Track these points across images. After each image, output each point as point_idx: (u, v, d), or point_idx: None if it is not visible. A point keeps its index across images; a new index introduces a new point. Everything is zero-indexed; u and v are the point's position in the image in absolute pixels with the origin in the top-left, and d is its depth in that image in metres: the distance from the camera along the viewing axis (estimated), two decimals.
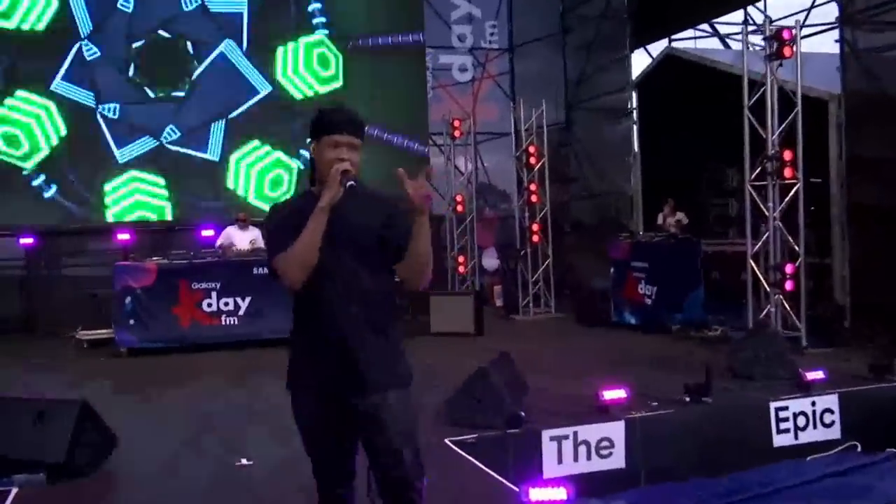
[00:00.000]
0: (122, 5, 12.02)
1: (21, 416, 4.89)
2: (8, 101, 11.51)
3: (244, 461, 5.06)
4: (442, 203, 13.10)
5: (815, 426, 6.04)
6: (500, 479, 4.70)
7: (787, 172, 8.51)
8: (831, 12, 9.93)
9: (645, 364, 7.87)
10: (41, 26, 11.69)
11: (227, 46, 12.51)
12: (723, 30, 14.60)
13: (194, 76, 12.35)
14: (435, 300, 10.29)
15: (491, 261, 14.28)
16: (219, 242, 10.31)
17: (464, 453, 5.10)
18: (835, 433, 6.11)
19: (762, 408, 6.04)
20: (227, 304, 9.52)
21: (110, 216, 12.00)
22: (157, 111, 12.19)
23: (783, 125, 8.57)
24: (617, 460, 5.44)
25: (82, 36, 11.83)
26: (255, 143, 12.63)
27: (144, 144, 12.15)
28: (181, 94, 12.31)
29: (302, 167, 12.64)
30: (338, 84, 13.06)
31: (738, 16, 13.51)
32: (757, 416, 6.02)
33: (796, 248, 8.56)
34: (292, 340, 2.93)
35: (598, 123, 14.42)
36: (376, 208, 2.79)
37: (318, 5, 13.02)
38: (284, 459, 5.02)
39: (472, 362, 6.24)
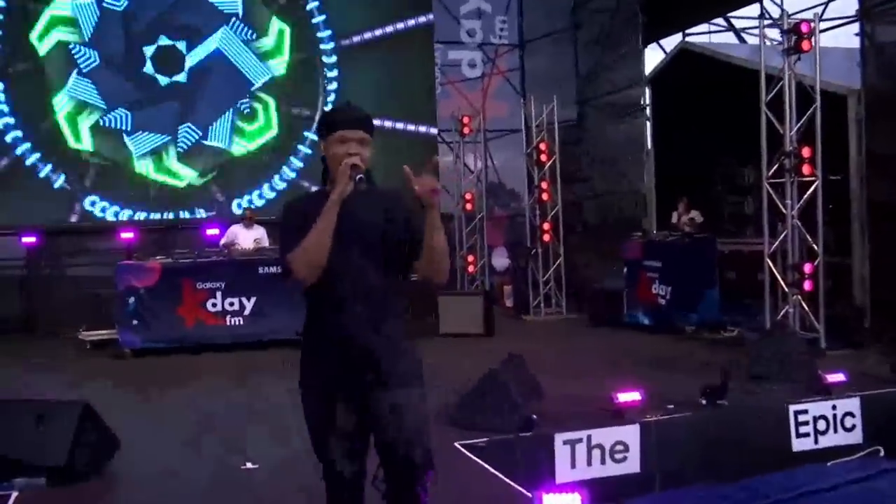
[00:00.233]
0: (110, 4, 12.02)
1: (22, 417, 4.87)
2: None
3: (249, 465, 5.04)
4: (451, 201, 13.06)
5: (835, 430, 5.94)
6: (511, 483, 4.67)
7: (806, 169, 8.44)
8: (850, 5, 9.87)
9: (659, 366, 7.83)
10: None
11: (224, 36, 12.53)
12: (738, 24, 14.50)
13: (193, 65, 12.35)
14: (444, 300, 10.24)
15: (501, 260, 14.22)
16: (223, 242, 10.29)
17: (474, 457, 5.07)
18: (856, 437, 6.01)
19: (780, 411, 5.93)
20: (231, 304, 9.50)
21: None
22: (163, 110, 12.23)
23: (801, 121, 8.50)
24: (632, 465, 5.36)
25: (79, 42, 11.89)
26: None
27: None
28: (182, 79, 12.29)
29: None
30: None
31: (753, 9, 13.44)
32: (775, 420, 5.91)
33: (815, 246, 8.48)
34: (303, 339, 2.96)
35: (610, 120, 14.32)
36: (383, 204, 2.83)
37: (315, 3, 13.00)
38: (285, 459, 5.05)
39: (482, 364, 6.21)
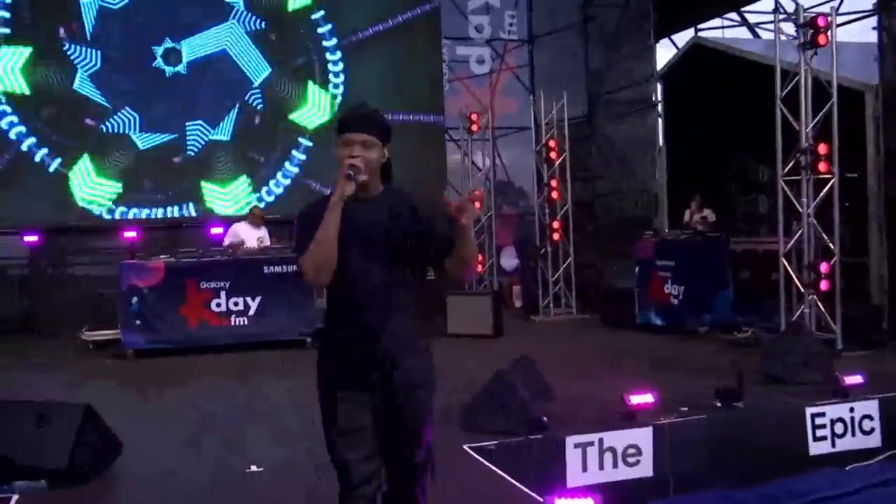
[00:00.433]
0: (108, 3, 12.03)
1: (22, 419, 4.86)
2: None
3: (254, 468, 5.02)
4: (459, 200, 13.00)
5: (853, 433, 5.91)
6: (521, 487, 4.63)
7: (822, 167, 8.37)
8: None
9: (672, 367, 7.78)
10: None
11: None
12: (752, 19, 14.43)
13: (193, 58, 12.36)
14: (452, 300, 10.20)
15: (509, 260, 14.18)
16: (227, 241, 10.24)
17: (483, 460, 5.05)
18: (875, 441, 5.98)
19: (797, 414, 5.92)
20: (236, 303, 9.48)
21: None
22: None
23: (817, 117, 8.43)
24: (644, 468, 5.34)
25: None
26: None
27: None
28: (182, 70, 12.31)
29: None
30: None
31: (767, 3, 13.42)
32: (792, 423, 5.89)
33: (831, 245, 8.41)
34: (320, 339, 3.08)
35: (620, 117, 14.29)
36: (388, 202, 2.91)
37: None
38: (285, 460, 5.12)
39: (491, 365, 6.18)
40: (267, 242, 10.18)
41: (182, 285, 9.35)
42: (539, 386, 6.29)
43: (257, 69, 12.63)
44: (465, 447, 5.19)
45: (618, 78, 14.25)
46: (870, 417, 6.04)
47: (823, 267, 8.38)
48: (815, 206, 8.52)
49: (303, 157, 12.85)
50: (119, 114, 12.00)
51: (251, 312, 9.50)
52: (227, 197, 12.56)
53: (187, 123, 12.31)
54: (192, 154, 12.37)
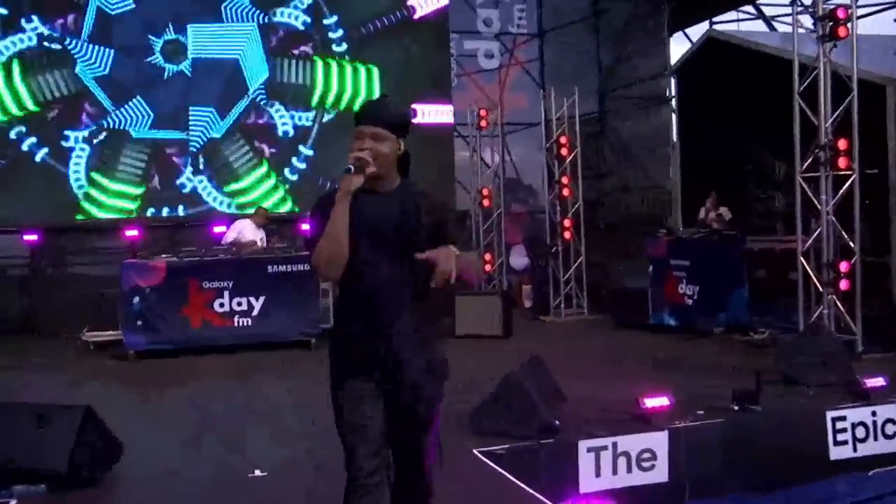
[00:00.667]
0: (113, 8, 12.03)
1: (22, 422, 4.85)
2: None
3: (258, 472, 5.01)
4: (467, 198, 12.98)
5: (875, 438, 5.82)
6: (532, 492, 4.61)
7: (842, 163, 8.32)
8: None
9: (687, 369, 7.75)
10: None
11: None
12: (768, 11, 14.38)
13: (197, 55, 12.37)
14: (460, 300, 10.17)
15: (519, 259, 14.13)
16: (232, 237, 10.22)
17: (493, 465, 5.03)
18: None
19: (817, 417, 5.83)
20: (239, 304, 9.46)
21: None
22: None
23: (837, 112, 8.38)
24: (660, 473, 5.27)
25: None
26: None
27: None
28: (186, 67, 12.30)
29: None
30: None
31: None
32: (812, 427, 5.81)
33: (851, 244, 8.35)
34: (331, 333, 3.13)
35: (633, 112, 14.25)
36: (399, 196, 2.94)
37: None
38: (285, 460, 5.16)
39: (501, 367, 6.17)
40: (264, 244, 10.18)
41: (184, 285, 9.35)
42: (550, 389, 6.25)
43: (259, 72, 12.65)
44: (474, 451, 5.18)
45: (630, 73, 14.20)
46: (893, 422, 5.93)
47: (843, 266, 8.33)
48: (834, 204, 8.46)
49: (309, 152, 12.87)
50: (122, 110, 12.02)
51: (255, 313, 9.49)
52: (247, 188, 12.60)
53: (193, 117, 12.34)
54: (197, 148, 12.41)
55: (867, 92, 8.69)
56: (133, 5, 12.04)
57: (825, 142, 8.38)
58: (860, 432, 5.80)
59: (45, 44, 11.75)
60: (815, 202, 8.54)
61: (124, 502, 4.77)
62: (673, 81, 13.91)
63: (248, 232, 10.24)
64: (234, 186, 12.56)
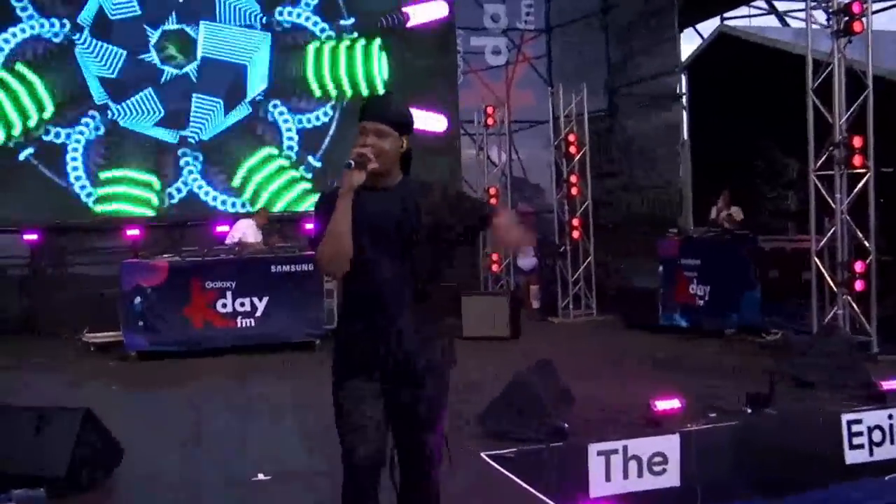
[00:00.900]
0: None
1: (21, 425, 4.85)
2: None
3: (261, 476, 5.01)
4: (474, 196, 12.93)
5: (892, 442, 5.79)
6: (541, 497, 4.59)
7: (856, 161, 8.29)
8: None
9: (699, 371, 7.72)
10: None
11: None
12: (780, 6, 14.34)
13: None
14: (467, 301, 10.15)
15: (526, 259, 14.09)
16: (236, 237, 10.23)
17: (501, 468, 5.01)
18: None
19: (832, 421, 5.81)
20: (242, 304, 9.45)
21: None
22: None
23: (852, 109, 8.34)
24: (671, 478, 5.25)
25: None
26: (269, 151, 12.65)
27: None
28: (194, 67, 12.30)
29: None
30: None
31: None
32: (827, 430, 5.79)
33: (866, 243, 8.31)
34: (336, 329, 3.21)
35: (643, 110, 14.20)
36: (403, 194, 2.95)
37: None
38: (287, 462, 5.18)
39: (509, 369, 6.16)
40: (261, 244, 10.21)
41: (187, 285, 9.34)
42: (559, 391, 6.23)
43: (261, 82, 12.68)
44: (483, 455, 5.15)
45: (640, 69, 14.16)
46: None
47: (858, 266, 8.29)
48: (849, 203, 8.42)
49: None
50: (124, 106, 12.05)
51: (258, 314, 9.47)
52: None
53: (196, 110, 12.36)
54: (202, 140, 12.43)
55: (883, 88, 8.64)
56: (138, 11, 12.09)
57: (840, 139, 8.34)
58: (877, 436, 5.78)
59: (47, 37, 11.77)
60: (830, 201, 8.50)
61: None
62: (683, 78, 13.87)
63: (250, 232, 10.25)
64: (240, 184, 12.58)
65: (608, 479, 5.12)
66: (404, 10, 13.05)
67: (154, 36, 12.13)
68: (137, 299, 9.15)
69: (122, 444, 5.10)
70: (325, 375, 3.04)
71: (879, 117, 8.28)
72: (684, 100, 13.88)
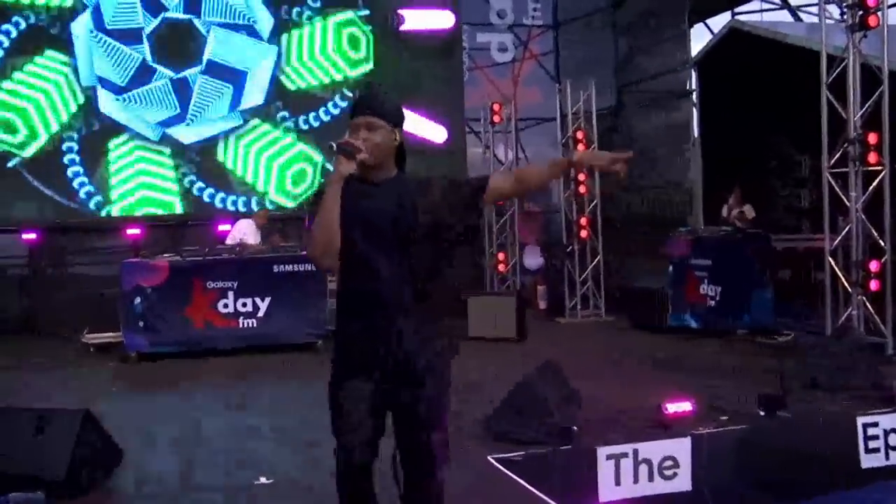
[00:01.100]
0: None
1: (20, 426, 4.84)
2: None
3: (263, 479, 5.01)
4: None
5: None
6: (549, 500, 4.57)
7: (872, 158, 8.25)
8: None
9: (710, 373, 7.69)
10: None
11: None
12: (793, 1, 14.28)
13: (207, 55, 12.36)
14: (473, 302, 10.12)
15: (533, 259, 14.08)
16: (237, 238, 10.23)
17: (508, 472, 4.99)
18: None
19: (847, 423, 5.77)
20: (244, 304, 9.43)
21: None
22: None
23: (867, 105, 8.30)
24: (682, 482, 5.22)
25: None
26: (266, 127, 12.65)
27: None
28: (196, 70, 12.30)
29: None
30: (368, 66, 12.92)
31: None
32: (841, 433, 5.74)
33: (881, 242, 8.27)
34: (333, 332, 3.20)
35: (652, 107, 14.17)
36: (398, 189, 2.96)
37: None
38: (288, 464, 5.20)
39: (516, 371, 6.15)
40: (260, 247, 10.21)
41: (188, 285, 9.32)
42: (566, 393, 6.19)
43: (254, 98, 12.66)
44: (489, 458, 5.14)
45: (649, 66, 14.12)
46: None
47: (873, 265, 8.25)
48: (864, 201, 8.38)
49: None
50: (124, 105, 12.05)
51: (260, 314, 9.45)
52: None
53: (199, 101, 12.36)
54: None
55: None
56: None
57: (854, 136, 8.30)
58: (893, 440, 5.73)
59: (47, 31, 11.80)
60: (844, 199, 8.46)
61: None
62: (694, 74, 13.83)
63: (250, 232, 10.25)
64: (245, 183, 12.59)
65: (618, 482, 5.08)
66: (399, 11, 12.90)
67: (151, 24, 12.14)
68: (138, 299, 9.14)
69: (121, 445, 5.10)
70: (327, 376, 3.04)
71: (895, 113, 8.24)
72: (695, 97, 13.82)
